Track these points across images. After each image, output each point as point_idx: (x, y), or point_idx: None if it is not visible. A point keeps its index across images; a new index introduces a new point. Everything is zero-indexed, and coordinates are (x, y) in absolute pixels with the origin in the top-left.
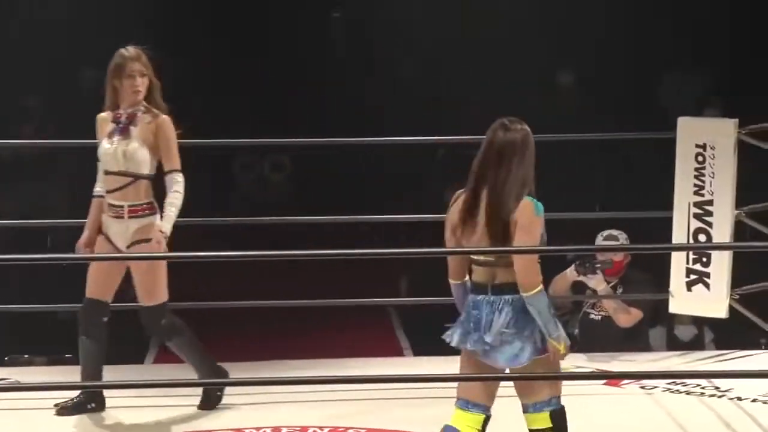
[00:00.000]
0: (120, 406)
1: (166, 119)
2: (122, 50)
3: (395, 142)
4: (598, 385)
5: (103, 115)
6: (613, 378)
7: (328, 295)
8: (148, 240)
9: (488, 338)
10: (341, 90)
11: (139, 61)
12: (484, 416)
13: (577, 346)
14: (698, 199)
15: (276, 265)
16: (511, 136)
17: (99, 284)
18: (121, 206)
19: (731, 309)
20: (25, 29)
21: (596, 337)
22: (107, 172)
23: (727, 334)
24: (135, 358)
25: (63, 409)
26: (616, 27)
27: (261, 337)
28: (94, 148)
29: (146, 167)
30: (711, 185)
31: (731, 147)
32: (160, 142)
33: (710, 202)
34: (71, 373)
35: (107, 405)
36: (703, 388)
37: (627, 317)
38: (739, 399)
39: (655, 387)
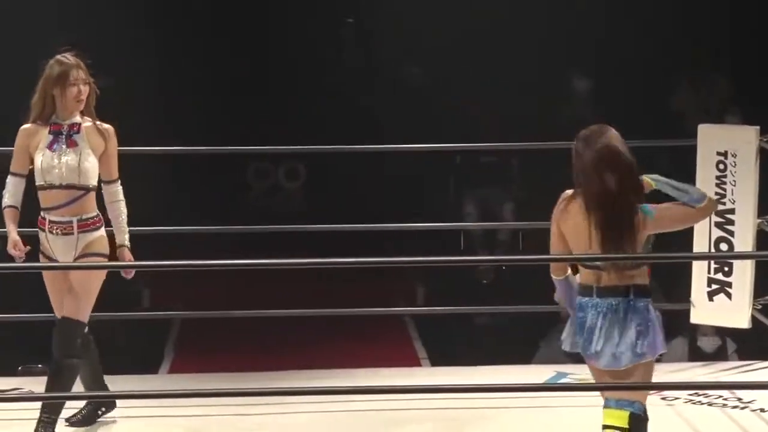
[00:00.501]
0: (135, 416)
1: (112, 128)
2: (60, 57)
3: (411, 150)
4: None
5: (29, 126)
6: (631, 389)
7: (346, 305)
8: (97, 254)
9: (593, 346)
10: (354, 97)
11: (81, 69)
12: (629, 412)
13: None
14: (720, 207)
15: (293, 275)
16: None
17: (56, 303)
18: (70, 222)
19: (754, 319)
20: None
21: None
22: (49, 186)
23: (750, 344)
24: (149, 368)
25: (75, 423)
26: (635, 34)
27: (279, 347)
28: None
29: (95, 179)
30: (733, 193)
31: (753, 154)
32: (109, 151)
33: (732, 211)
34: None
35: (122, 414)
36: (725, 399)
37: None
38: (762, 411)
39: (677, 398)
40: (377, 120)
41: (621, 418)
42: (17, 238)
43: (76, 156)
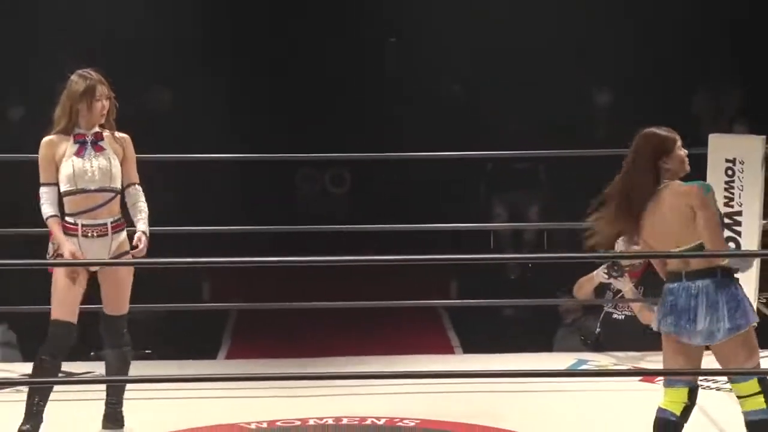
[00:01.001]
0: (195, 397)
1: (128, 136)
2: (84, 73)
3: (446, 157)
4: (634, 381)
5: (52, 138)
6: (648, 375)
7: (389, 298)
8: (127, 252)
9: (690, 325)
10: (395, 109)
11: (104, 84)
12: (687, 389)
13: (598, 343)
14: (728, 210)
15: (343, 272)
16: None
17: (70, 306)
18: (104, 224)
19: (759, 312)
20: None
21: (620, 335)
22: (80, 191)
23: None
24: (209, 353)
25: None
26: (653, 49)
27: (327, 336)
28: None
29: (120, 182)
30: (740, 197)
31: (759, 161)
32: (128, 156)
33: (739, 213)
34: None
35: (185, 395)
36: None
37: (650, 315)
38: None
39: None
40: (417, 130)
41: (751, 386)
42: (74, 247)
43: (106, 160)
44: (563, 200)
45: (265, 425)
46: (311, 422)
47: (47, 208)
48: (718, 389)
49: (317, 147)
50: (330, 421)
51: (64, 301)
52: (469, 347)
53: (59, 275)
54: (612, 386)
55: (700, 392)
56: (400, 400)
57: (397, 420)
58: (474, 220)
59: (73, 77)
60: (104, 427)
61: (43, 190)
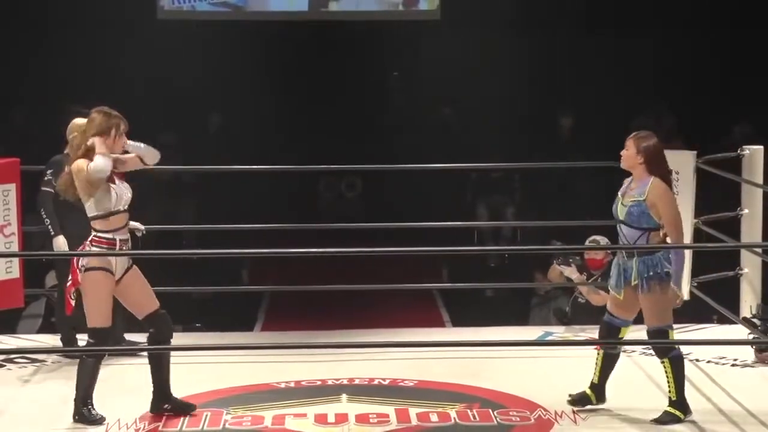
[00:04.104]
0: (235, 362)
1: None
2: (108, 110)
3: (438, 168)
4: (590, 349)
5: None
6: (600, 344)
7: (393, 281)
8: (132, 264)
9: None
10: (399, 129)
11: (126, 124)
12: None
13: (567, 319)
14: None
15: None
16: None
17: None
18: (127, 239)
19: (691, 293)
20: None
21: (583, 314)
22: (118, 212)
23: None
24: (245, 326)
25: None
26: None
27: (342, 313)
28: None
29: None
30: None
31: (691, 172)
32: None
33: None
34: (199, 338)
35: (226, 360)
36: None
37: (598, 298)
38: (697, 360)
39: (634, 351)
40: (415, 146)
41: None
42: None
43: (127, 185)
44: (534, 203)
45: (292, 385)
46: (329, 382)
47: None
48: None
49: (335, 160)
50: (344, 382)
51: (107, 306)
52: (458, 322)
53: (95, 287)
54: (571, 353)
55: (645, 358)
56: (401, 364)
57: (399, 380)
58: (461, 219)
59: (98, 113)
60: (155, 408)
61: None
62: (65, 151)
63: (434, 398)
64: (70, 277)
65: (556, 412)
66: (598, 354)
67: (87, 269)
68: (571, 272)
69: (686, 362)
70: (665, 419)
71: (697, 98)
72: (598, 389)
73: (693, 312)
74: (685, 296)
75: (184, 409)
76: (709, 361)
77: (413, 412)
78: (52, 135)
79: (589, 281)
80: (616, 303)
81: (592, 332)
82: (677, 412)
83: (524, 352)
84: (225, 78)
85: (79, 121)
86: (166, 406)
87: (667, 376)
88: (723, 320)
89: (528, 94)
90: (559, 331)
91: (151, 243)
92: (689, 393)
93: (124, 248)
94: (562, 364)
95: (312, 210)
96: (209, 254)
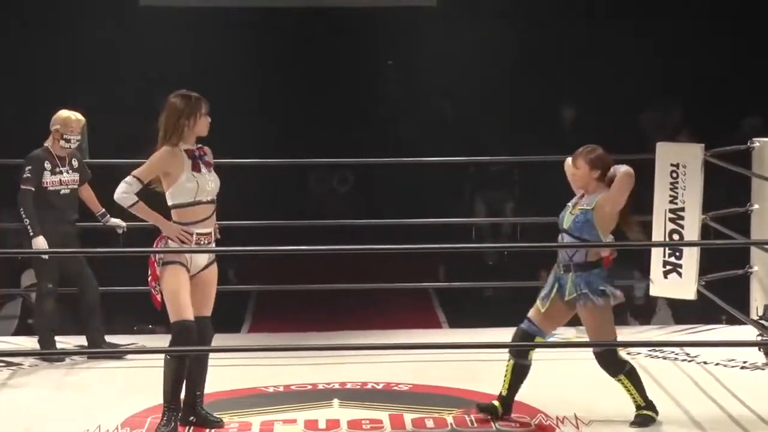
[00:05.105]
0: (222, 365)
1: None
2: (187, 92)
3: (435, 162)
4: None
5: (170, 149)
6: (607, 346)
7: (387, 281)
8: (214, 260)
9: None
10: (392, 121)
11: (206, 102)
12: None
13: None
14: (673, 206)
15: (347, 258)
16: None
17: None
18: (210, 232)
19: (698, 293)
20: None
21: None
22: (197, 203)
23: (696, 312)
24: (232, 327)
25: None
26: (609, 74)
27: (334, 314)
28: None
29: None
30: (683, 195)
31: (699, 166)
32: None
33: (682, 209)
34: None
35: (213, 364)
36: (676, 354)
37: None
38: (705, 363)
39: (639, 353)
40: (409, 138)
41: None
42: (177, 225)
43: (215, 175)
44: (534, 198)
45: (281, 389)
46: (320, 386)
47: (131, 196)
48: (664, 358)
49: (327, 153)
50: (336, 386)
51: (186, 302)
52: (455, 323)
53: (172, 281)
54: (575, 355)
55: (651, 361)
56: (395, 367)
57: (393, 384)
58: (458, 215)
59: (176, 97)
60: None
61: (132, 181)
62: (45, 145)
63: (430, 403)
64: (149, 271)
65: (557, 418)
66: (507, 363)
67: (164, 263)
68: None
69: (694, 365)
70: (640, 421)
71: (705, 89)
72: (506, 401)
73: (701, 312)
74: (693, 296)
75: (209, 424)
76: (717, 364)
77: (408, 417)
78: (28, 128)
79: None
80: (538, 312)
81: None
82: (649, 413)
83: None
84: (211, 68)
85: (64, 113)
86: (192, 418)
87: (629, 391)
88: (732, 321)
89: (528, 84)
90: (562, 333)
91: (136, 240)
92: (697, 396)
93: (204, 242)
94: (564, 367)
95: (301, 205)
96: (194, 252)
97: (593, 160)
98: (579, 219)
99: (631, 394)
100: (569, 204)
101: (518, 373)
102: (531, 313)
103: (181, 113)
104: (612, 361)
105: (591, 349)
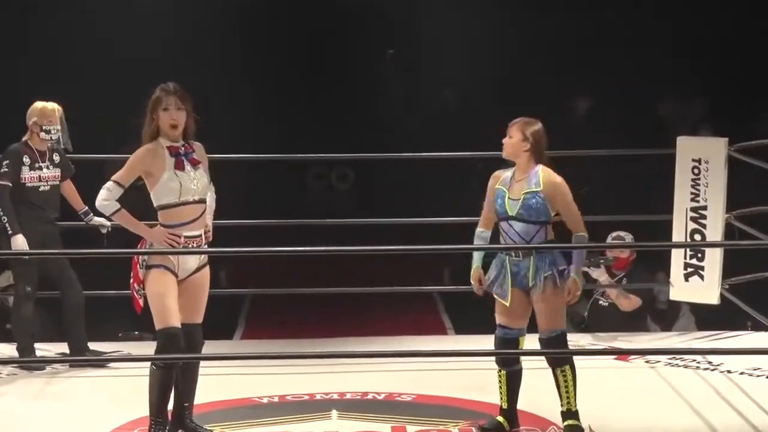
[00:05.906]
0: (213, 374)
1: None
2: (163, 85)
3: (439, 158)
4: (609, 359)
5: (150, 147)
6: (622, 354)
7: (388, 283)
8: (206, 264)
9: None
10: (395, 113)
11: (178, 96)
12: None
13: (585, 325)
14: (694, 204)
15: (348, 260)
16: None
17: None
18: (199, 235)
19: (722, 297)
20: None
21: (604, 319)
22: (182, 203)
23: (719, 317)
24: (224, 334)
25: None
26: (630, 64)
27: (332, 319)
28: None
29: None
30: (705, 193)
31: (722, 161)
32: (206, 165)
33: (704, 208)
34: None
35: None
36: (698, 362)
37: (628, 302)
38: (729, 372)
39: (658, 361)
40: (413, 132)
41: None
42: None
43: (202, 173)
44: None
45: (276, 399)
46: (318, 397)
47: (112, 204)
48: (685, 366)
49: (325, 148)
50: (335, 396)
51: (174, 306)
52: (461, 329)
53: (157, 286)
54: (589, 364)
55: (670, 369)
56: (398, 376)
57: (396, 395)
58: (464, 214)
59: (156, 88)
60: None
61: (113, 186)
62: (24, 139)
63: (435, 414)
64: (131, 273)
65: None
66: (499, 375)
67: (147, 266)
68: (600, 274)
69: (717, 374)
70: None
71: (728, 81)
72: (510, 414)
73: (725, 318)
74: (716, 300)
75: None
76: (742, 373)
77: (411, 430)
78: (5, 121)
79: (612, 282)
80: (504, 312)
81: (614, 340)
82: (577, 422)
83: (535, 363)
84: (199, 57)
85: (39, 104)
86: (180, 431)
87: (566, 386)
88: (758, 327)
89: (538, 74)
90: (574, 339)
91: (122, 241)
92: (721, 407)
93: (191, 245)
94: (578, 377)
95: (299, 204)
96: (184, 253)
97: (528, 134)
98: (532, 203)
99: (566, 392)
100: (500, 188)
101: (513, 382)
102: (498, 318)
103: (150, 108)
104: (562, 349)
105: (612, 356)
